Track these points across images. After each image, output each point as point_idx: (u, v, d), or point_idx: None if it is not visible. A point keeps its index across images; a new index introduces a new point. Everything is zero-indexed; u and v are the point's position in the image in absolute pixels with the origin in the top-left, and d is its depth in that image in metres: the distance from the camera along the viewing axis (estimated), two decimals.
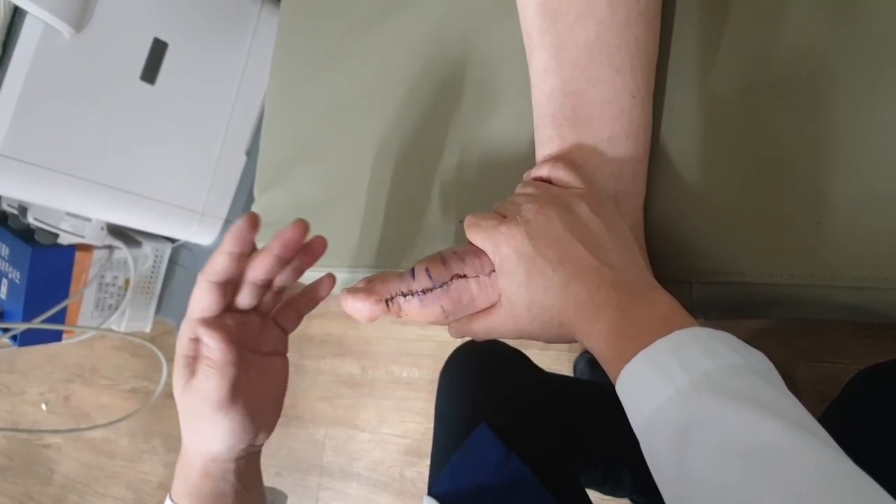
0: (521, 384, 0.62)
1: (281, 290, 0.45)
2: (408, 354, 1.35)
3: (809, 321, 0.98)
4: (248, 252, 0.40)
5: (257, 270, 0.41)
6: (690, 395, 0.28)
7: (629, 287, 0.34)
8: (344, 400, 1.42)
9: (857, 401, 0.53)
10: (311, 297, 0.46)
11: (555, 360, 1.19)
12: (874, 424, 0.49)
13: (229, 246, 0.39)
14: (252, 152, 1.31)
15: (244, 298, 0.42)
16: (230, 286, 0.41)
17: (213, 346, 0.39)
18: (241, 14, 1.22)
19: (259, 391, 0.44)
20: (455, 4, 0.55)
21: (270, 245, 0.41)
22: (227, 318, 0.41)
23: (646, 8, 0.39)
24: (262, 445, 0.46)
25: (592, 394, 0.77)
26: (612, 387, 0.32)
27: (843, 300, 0.38)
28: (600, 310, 0.33)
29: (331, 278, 0.46)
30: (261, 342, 0.44)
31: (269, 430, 0.45)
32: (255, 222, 0.39)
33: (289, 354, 0.47)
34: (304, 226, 0.40)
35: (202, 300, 0.40)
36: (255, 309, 0.43)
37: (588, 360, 1.13)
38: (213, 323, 0.40)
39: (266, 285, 0.43)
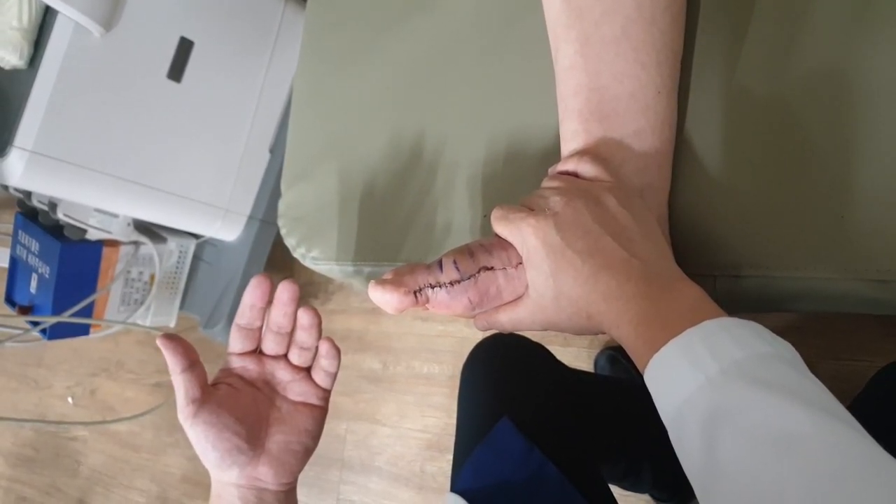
0: (542, 379, 0.62)
1: (309, 348, 0.52)
2: (428, 350, 1.36)
3: (831, 318, 0.97)
4: (264, 305, 0.50)
5: (270, 320, 0.51)
6: (720, 383, 0.28)
7: (658, 278, 0.34)
8: (365, 395, 1.43)
9: (880, 396, 0.53)
10: (324, 357, 0.51)
11: (575, 357, 1.19)
12: None
13: (246, 298, 0.49)
14: (275, 150, 1.33)
15: (266, 345, 0.51)
16: (255, 332, 0.51)
17: (166, 355, 0.46)
18: (265, 13, 1.24)
19: (263, 424, 0.49)
20: (479, 2, 0.55)
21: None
22: (254, 357, 0.51)
23: (671, 3, 0.40)
24: (273, 485, 0.49)
25: (613, 390, 0.77)
26: (633, 383, 0.33)
27: (868, 294, 0.38)
28: (630, 300, 0.34)
29: (327, 341, 0.51)
30: (287, 388, 0.51)
31: (277, 468, 0.48)
32: (262, 285, 0.49)
33: None
34: (262, 282, 0.49)
35: (231, 339, 0.51)
36: (286, 359, 0.52)
37: (609, 357, 1.13)
38: (175, 339, 0.46)
39: (286, 335, 0.51)
